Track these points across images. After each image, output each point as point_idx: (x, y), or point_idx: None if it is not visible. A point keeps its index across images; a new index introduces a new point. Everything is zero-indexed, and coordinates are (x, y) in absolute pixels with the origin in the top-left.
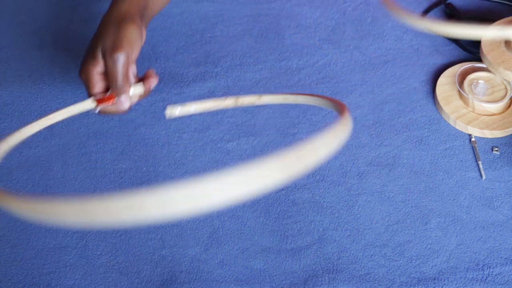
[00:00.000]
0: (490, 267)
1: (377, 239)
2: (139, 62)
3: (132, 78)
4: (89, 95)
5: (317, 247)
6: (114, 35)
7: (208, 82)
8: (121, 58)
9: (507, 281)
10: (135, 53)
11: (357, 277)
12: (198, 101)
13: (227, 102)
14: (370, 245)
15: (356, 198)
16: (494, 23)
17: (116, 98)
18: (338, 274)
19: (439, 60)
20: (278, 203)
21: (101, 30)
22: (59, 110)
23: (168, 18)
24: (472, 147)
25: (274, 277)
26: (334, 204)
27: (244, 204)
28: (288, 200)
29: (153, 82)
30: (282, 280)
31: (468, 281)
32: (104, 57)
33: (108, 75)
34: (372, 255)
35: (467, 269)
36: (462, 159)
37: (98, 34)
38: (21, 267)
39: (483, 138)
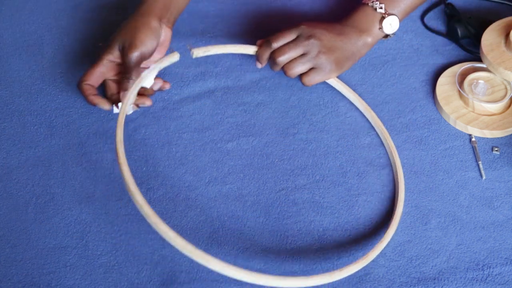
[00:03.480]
0: (490, 267)
1: (377, 239)
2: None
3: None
4: (84, 76)
5: (317, 247)
6: (131, 36)
7: (208, 82)
8: (135, 56)
9: (507, 281)
10: (148, 49)
11: (357, 277)
12: (221, 45)
13: (249, 50)
14: (370, 245)
15: (356, 198)
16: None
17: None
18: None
19: (439, 60)
20: (278, 203)
21: (122, 29)
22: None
23: None
24: (472, 147)
25: None
26: (334, 204)
27: (244, 204)
28: (288, 200)
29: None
30: None
31: (468, 281)
32: (121, 53)
33: (123, 69)
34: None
35: (467, 269)
36: (462, 159)
37: (119, 32)
38: (21, 267)
39: (483, 138)
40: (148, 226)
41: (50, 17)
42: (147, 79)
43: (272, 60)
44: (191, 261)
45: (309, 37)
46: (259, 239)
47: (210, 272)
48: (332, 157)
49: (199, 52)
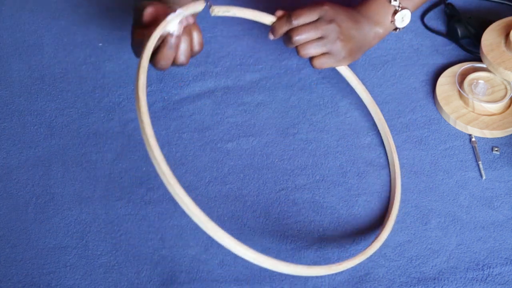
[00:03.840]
0: (490, 267)
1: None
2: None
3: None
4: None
5: (317, 247)
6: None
7: (208, 82)
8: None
9: (507, 281)
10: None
11: (357, 277)
12: (242, 8)
13: (266, 19)
14: (370, 245)
15: (356, 198)
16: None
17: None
18: (337, 274)
19: (439, 60)
20: (278, 203)
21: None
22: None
23: None
24: (472, 147)
25: (274, 277)
26: (334, 204)
27: (244, 204)
28: (288, 200)
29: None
30: (282, 280)
31: (468, 281)
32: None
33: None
34: (372, 255)
35: (467, 269)
36: (462, 159)
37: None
38: (21, 267)
39: (483, 138)
40: (148, 226)
41: (50, 17)
42: (172, 23)
43: (288, 37)
44: (191, 261)
45: (330, 21)
46: (259, 239)
47: (210, 272)
48: (332, 157)
49: (219, 11)
